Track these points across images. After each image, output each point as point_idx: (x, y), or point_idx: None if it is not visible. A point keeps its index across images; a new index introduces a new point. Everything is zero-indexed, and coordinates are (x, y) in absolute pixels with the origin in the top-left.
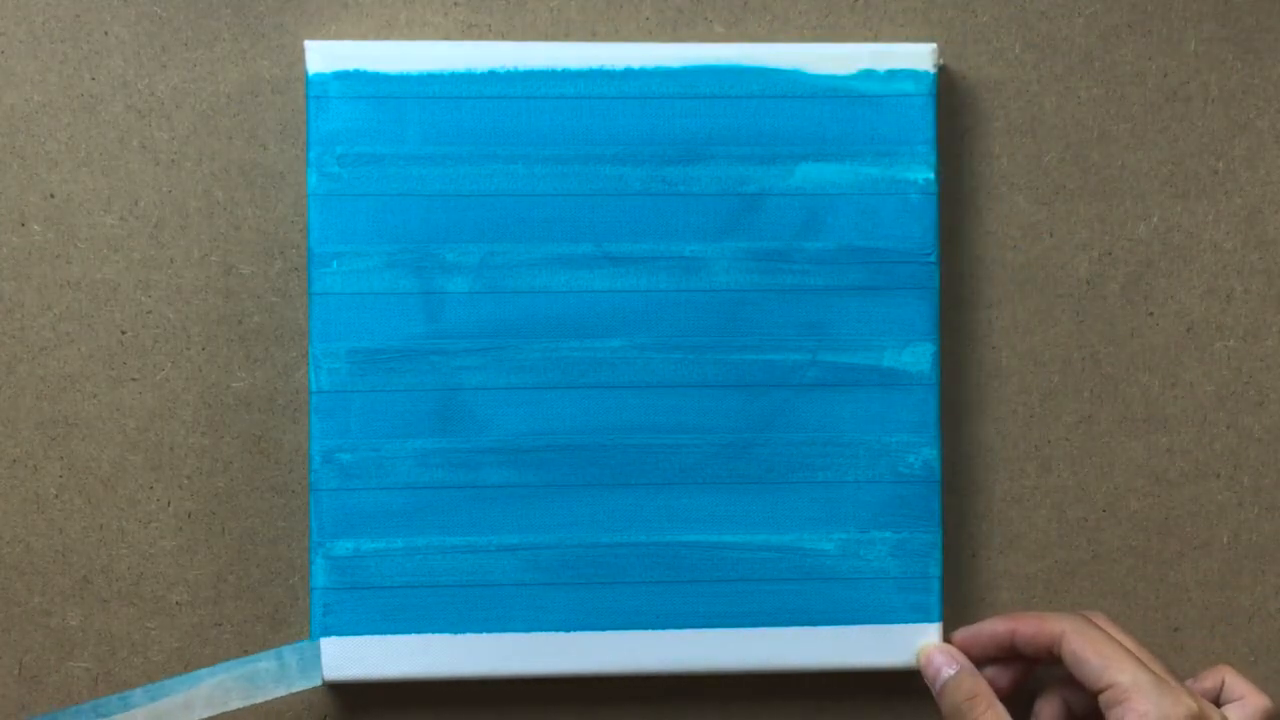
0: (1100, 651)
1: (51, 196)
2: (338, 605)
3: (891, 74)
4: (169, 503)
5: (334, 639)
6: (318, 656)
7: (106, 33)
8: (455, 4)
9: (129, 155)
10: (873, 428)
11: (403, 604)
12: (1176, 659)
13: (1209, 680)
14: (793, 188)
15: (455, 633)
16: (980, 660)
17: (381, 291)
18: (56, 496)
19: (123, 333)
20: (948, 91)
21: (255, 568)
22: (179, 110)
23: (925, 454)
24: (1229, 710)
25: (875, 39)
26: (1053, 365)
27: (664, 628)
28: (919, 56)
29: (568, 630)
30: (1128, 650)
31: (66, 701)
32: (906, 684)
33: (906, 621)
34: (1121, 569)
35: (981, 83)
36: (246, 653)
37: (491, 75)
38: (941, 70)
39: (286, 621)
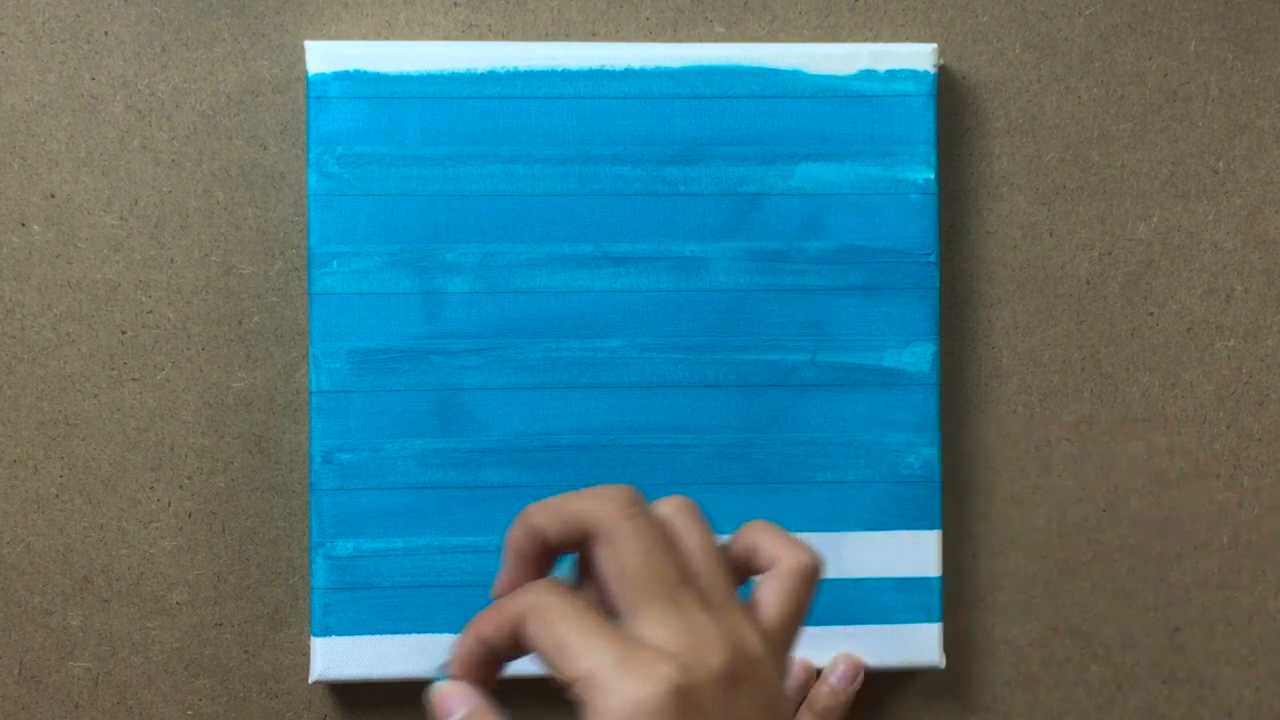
0: (555, 637)
1: (51, 196)
2: (338, 605)
3: (891, 74)
4: (169, 503)
5: (333, 639)
6: None
7: (106, 33)
8: (455, 4)
9: (129, 155)
10: (873, 428)
11: (403, 604)
12: (1176, 659)
13: (738, 545)
14: (793, 188)
15: (455, 633)
16: (491, 677)
17: (381, 291)
18: (56, 496)
19: (123, 333)
20: (948, 91)
21: (255, 568)
22: (179, 110)
23: (925, 454)
24: (760, 585)
25: (875, 39)
26: (1053, 365)
27: None
28: (919, 56)
29: None
30: (594, 620)
31: (66, 701)
32: (906, 684)
33: (906, 621)
34: (1121, 569)
35: (981, 83)
36: (247, 653)
37: (491, 75)
38: (941, 70)
39: (286, 621)
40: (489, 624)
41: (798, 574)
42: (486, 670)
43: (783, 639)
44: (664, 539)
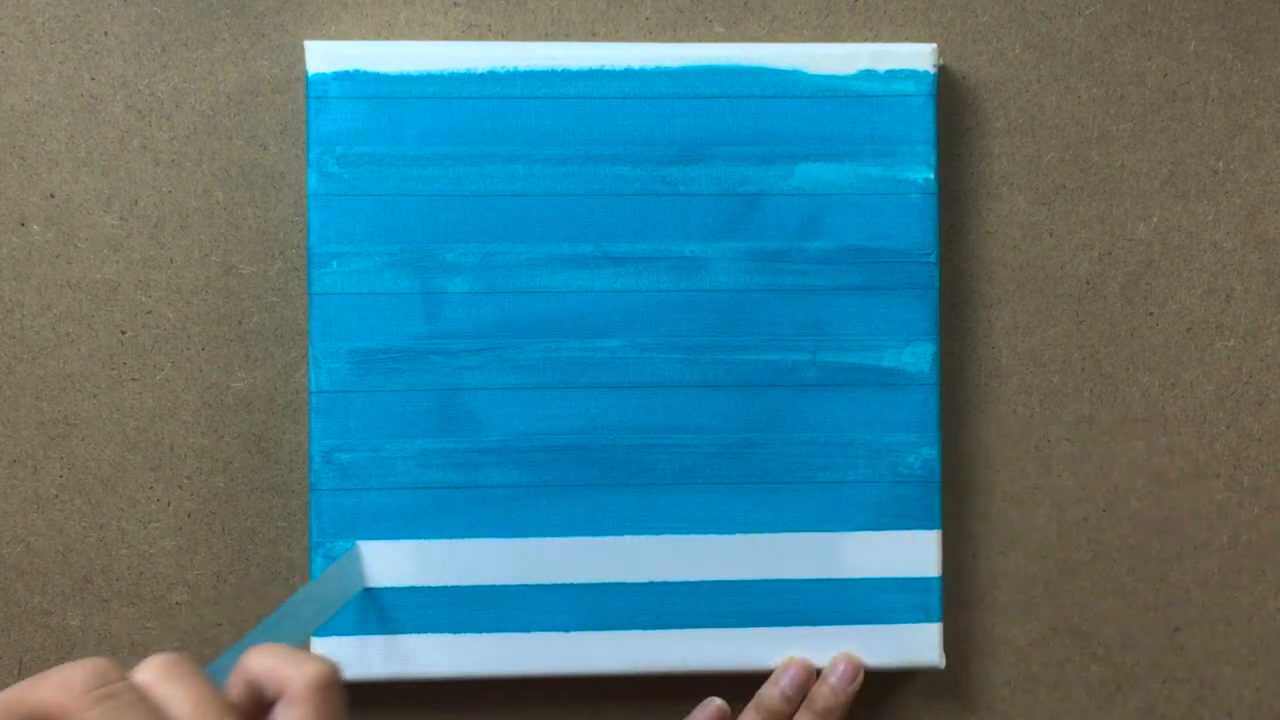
0: None
1: (51, 196)
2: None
3: (891, 74)
4: (169, 503)
5: (333, 639)
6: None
7: (106, 33)
8: (455, 4)
9: (129, 155)
10: (873, 428)
11: (403, 604)
12: (1176, 659)
13: (236, 689)
14: (793, 188)
15: (453, 634)
16: None
17: (381, 291)
18: (56, 496)
19: (123, 333)
20: (948, 91)
21: (255, 568)
22: (179, 110)
23: (925, 454)
24: (277, 717)
25: (875, 39)
26: (1053, 365)
27: (664, 628)
28: (919, 56)
29: (568, 630)
30: None
31: None
32: (906, 684)
33: (906, 621)
34: (1121, 569)
35: (981, 83)
36: None
37: (491, 75)
38: (941, 70)
39: None
40: None
41: (312, 692)
42: None
43: None
44: (145, 716)
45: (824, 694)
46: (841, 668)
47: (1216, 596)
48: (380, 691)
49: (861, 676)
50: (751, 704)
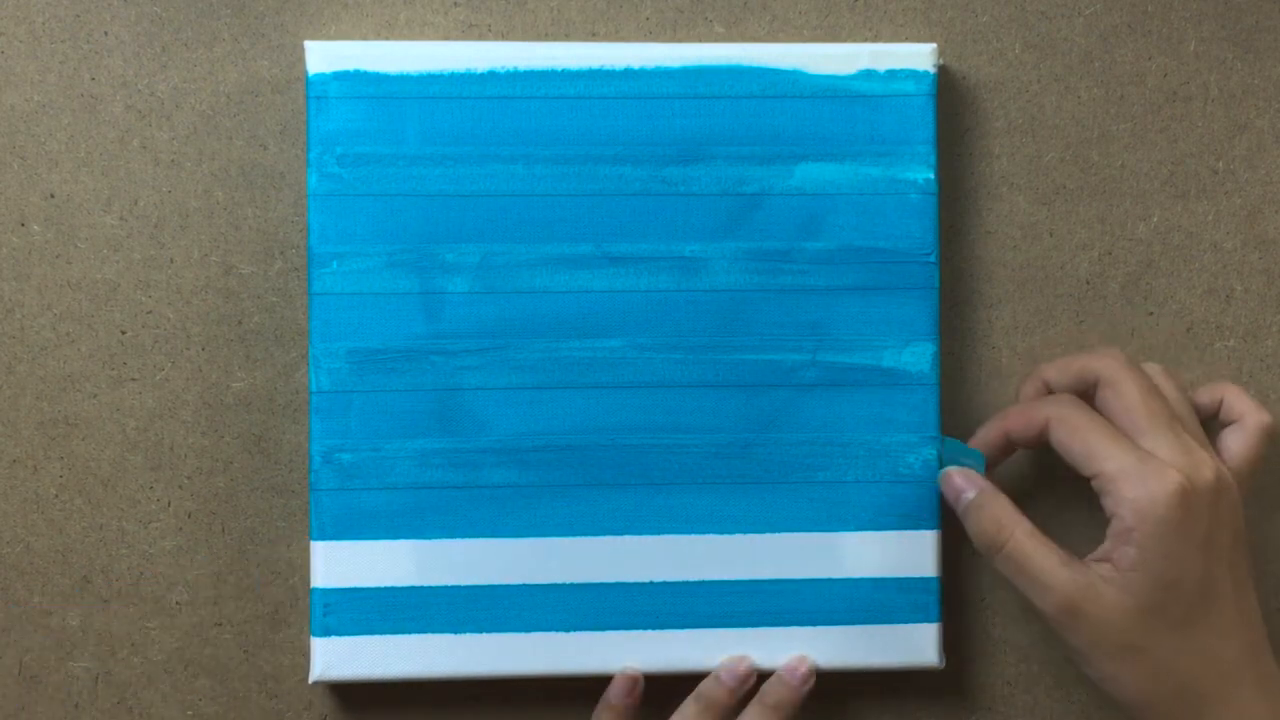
0: (1084, 440)
1: (51, 196)
2: (338, 605)
3: (891, 74)
4: (169, 503)
5: (332, 639)
6: None
7: (106, 33)
8: (455, 4)
9: (129, 155)
10: (873, 428)
11: (403, 604)
12: None
13: (1206, 396)
14: (793, 188)
15: (455, 633)
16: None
17: (381, 291)
18: (56, 496)
19: (123, 333)
20: (948, 91)
21: (255, 568)
22: (179, 110)
23: (925, 454)
24: (1227, 434)
25: (875, 39)
26: None
27: (664, 627)
28: (919, 56)
29: (568, 630)
30: (1113, 432)
31: (66, 701)
32: (906, 684)
33: (906, 621)
34: None
35: (981, 83)
36: (246, 653)
37: (491, 75)
38: (941, 70)
39: (286, 622)
40: (1019, 420)
41: (1261, 429)
42: (998, 457)
43: (1244, 481)
44: (1154, 385)
45: (776, 689)
46: (795, 665)
47: None
48: (380, 691)
49: (813, 680)
50: (691, 696)
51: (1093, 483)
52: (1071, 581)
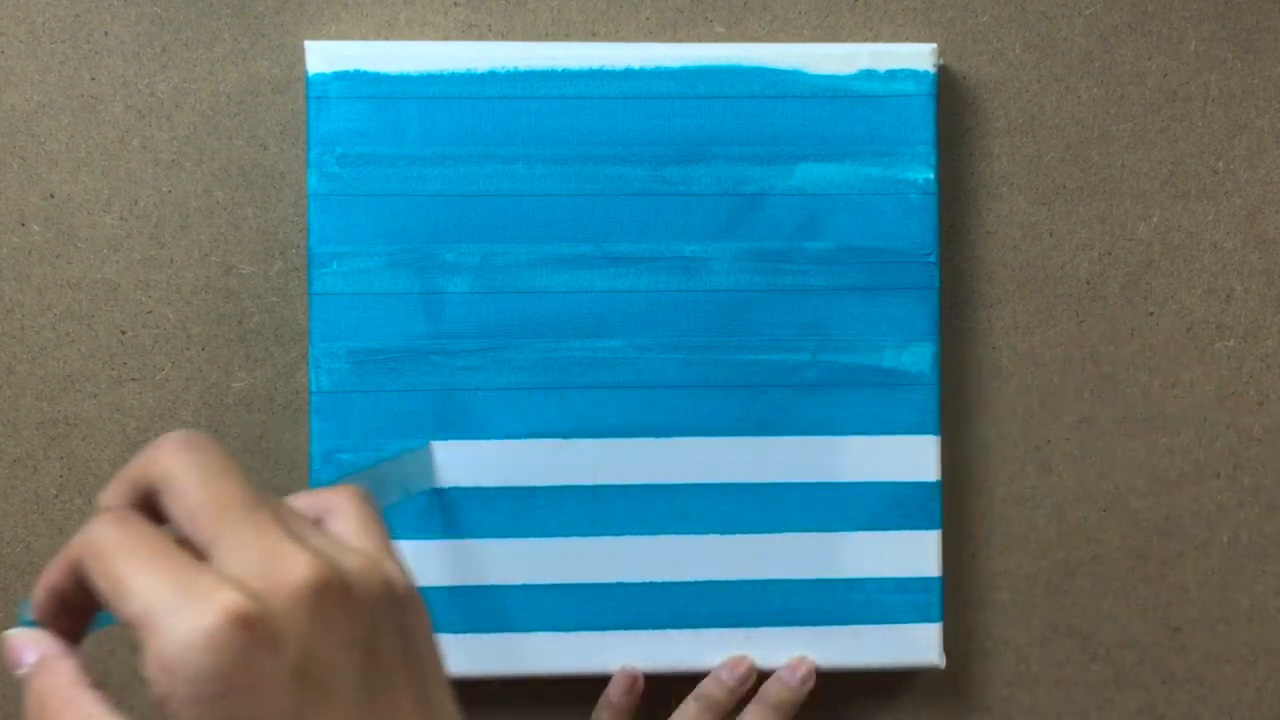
0: (110, 574)
1: (51, 196)
2: None
3: (891, 74)
4: None
5: None
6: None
7: (106, 33)
8: (455, 4)
9: (129, 155)
10: (873, 428)
11: None
12: (1176, 659)
13: (303, 500)
14: (793, 188)
15: (453, 634)
16: (75, 628)
17: (381, 291)
18: (56, 496)
19: (123, 333)
20: (948, 91)
21: None
22: (179, 110)
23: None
24: (328, 521)
25: (875, 39)
26: (1053, 365)
27: (664, 627)
28: (919, 56)
29: (568, 630)
30: (161, 551)
31: None
32: (906, 684)
33: (906, 621)
34: (1121, 569)
35: (981, 83)
36: None
37: (491, 75)
38: (941, 70)
39: None
40: (53, 570)
41: (355, 500)
42: (70, 621)
43: (378, 552)
44: (228, 467)
45: (776, 689)
46: (795, 665)
47: (1216, 596)
48: None
49: (814, 681)
50: (692, 696)
51: (133, 634)
52: None
